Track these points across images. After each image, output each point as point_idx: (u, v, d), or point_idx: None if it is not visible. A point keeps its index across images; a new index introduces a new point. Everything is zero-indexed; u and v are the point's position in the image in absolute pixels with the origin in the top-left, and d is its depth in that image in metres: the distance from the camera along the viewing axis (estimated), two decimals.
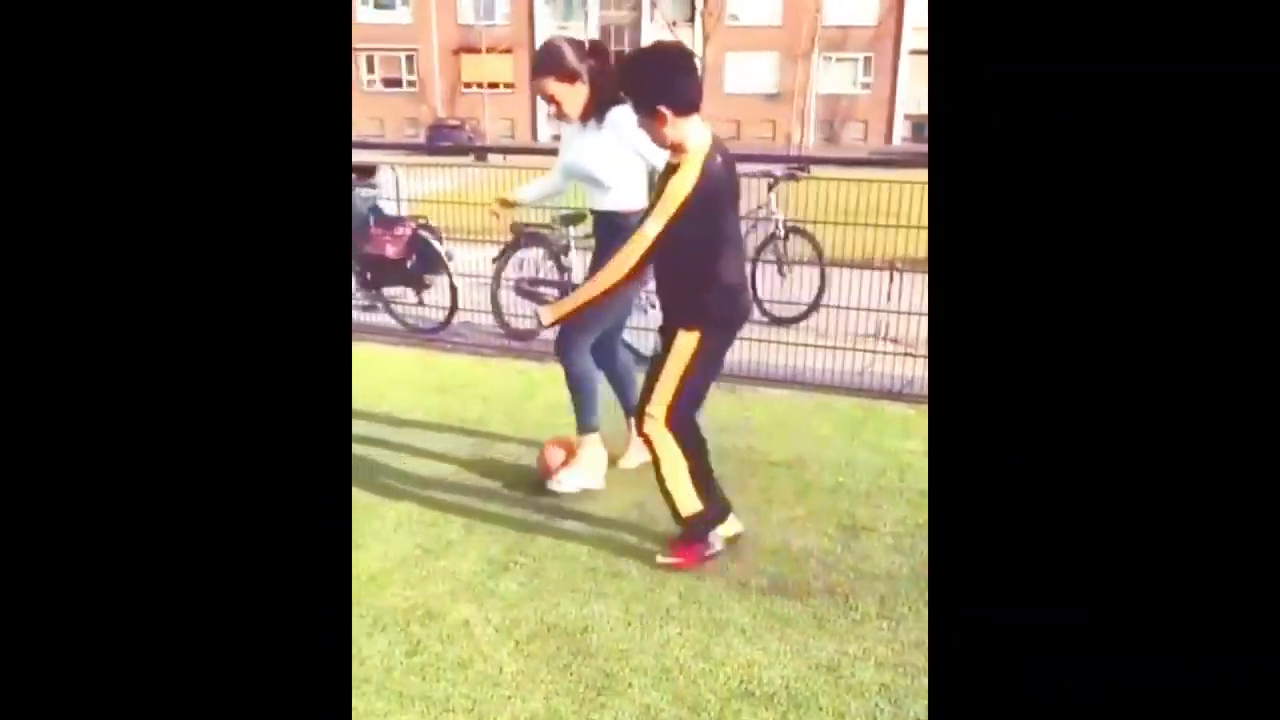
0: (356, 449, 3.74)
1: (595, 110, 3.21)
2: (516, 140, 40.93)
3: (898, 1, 37.50)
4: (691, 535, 2.85)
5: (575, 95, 3.21)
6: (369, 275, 5.85)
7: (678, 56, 2.59)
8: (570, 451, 3.47)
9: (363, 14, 41.79)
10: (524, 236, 5.78)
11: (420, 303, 5.88)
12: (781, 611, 2.63)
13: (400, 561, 2.91)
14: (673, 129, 2.52)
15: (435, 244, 5.71)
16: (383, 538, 3.06)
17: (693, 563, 2.84)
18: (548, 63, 3.18)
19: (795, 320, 6.00)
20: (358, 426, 4.04)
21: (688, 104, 2.51)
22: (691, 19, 40.29)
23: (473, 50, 41.05)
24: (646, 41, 41.95)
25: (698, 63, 2.73)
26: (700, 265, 2.62)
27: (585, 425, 3.45)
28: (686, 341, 2.67)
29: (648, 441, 2.78)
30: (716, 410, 4.49)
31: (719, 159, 2.55)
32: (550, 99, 3.22)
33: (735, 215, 2.73)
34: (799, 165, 6.65)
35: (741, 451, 3.83)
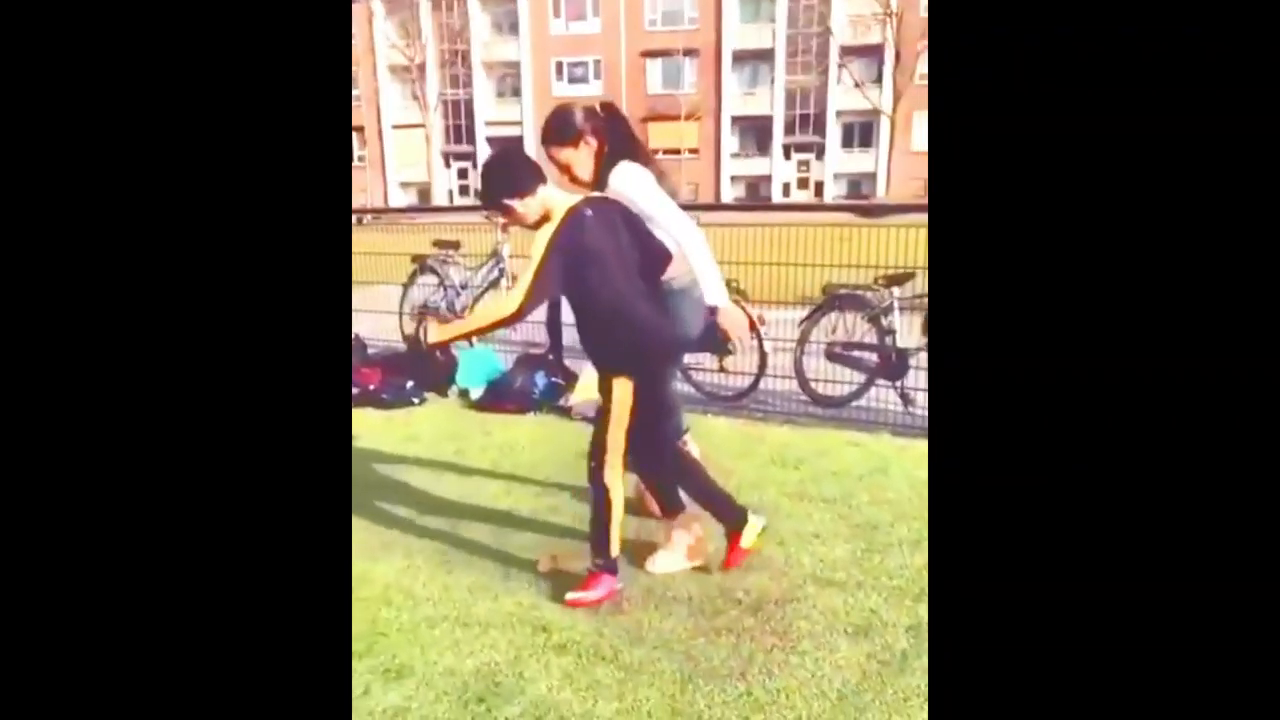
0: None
1: (599, 175, 3.09)
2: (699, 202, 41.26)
3: None
4: (608, 572, 2.97)
5: (582, 159, 3.13)
6: None
7: (498, 154, 2.96)
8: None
9: (557, 88, 43.62)
10: (836, 298, 5.41)
11: (721, 369, 5.59)
12: None
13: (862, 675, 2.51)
14: (526, 208, 2.79)
15: (748, 308, 5.41)
16: (827, 644, 2.67)
17: (604, 599, 2.94)
18: (553, 128, 3.16)
19: None
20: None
21: (524, 183, 2.78)
22: (879, 79, 39.79)
23: (661, 118, 41.89)
24: (835, 104, 41.84)
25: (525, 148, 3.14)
26: (606, 312, 2.81)
27: (672, 506, 3.21)
28: (621, 388, 2.84)
29: (605, 490, 2.90)
30: None
31: (589, 212, 2.80)
32: (561, 167, 3.18)
33: (634, 260, 2.88)
34: None
35: None
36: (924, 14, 36.05)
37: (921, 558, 3.22)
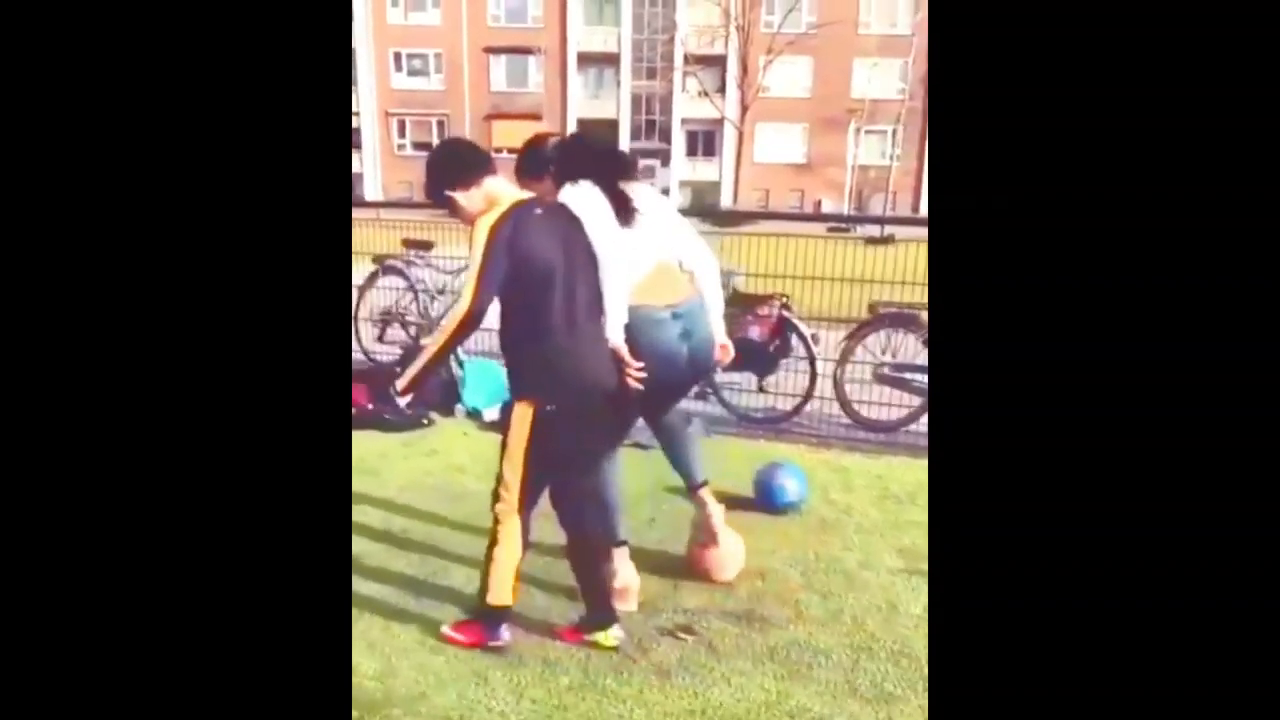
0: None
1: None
2: None
3: (925, 75, 37.64)
4: (484, 620, 2.70)
5: (547, 189, 2.87)
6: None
7: (444, 143, 2.86)
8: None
9: (396, 80, 41.84)
10: (886, 318, 5.15)
11: (761, 389, 5.22)
12: None
13: None
14: (469, 201, 2.56)
15: (801, 325, 5.07)
16: None
17: (471, 644, 2.71)
18: (525, 161, 2.97)
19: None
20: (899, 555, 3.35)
21: (468, 173, 2.57)
22: (723, 89, 40.49)
23: (504, 116, 40.94)
24: (679, 112, 42.27)
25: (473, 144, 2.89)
26: (526, 327, 2.49)
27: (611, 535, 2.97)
28: (520, 414, 2.52)
29: (493, 523, 2.61)
30: None
31: (537, 209, 2.54)
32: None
33: (575, 273, 2.54)
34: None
35: None
36: (765, 29, 37.13)
37: None
